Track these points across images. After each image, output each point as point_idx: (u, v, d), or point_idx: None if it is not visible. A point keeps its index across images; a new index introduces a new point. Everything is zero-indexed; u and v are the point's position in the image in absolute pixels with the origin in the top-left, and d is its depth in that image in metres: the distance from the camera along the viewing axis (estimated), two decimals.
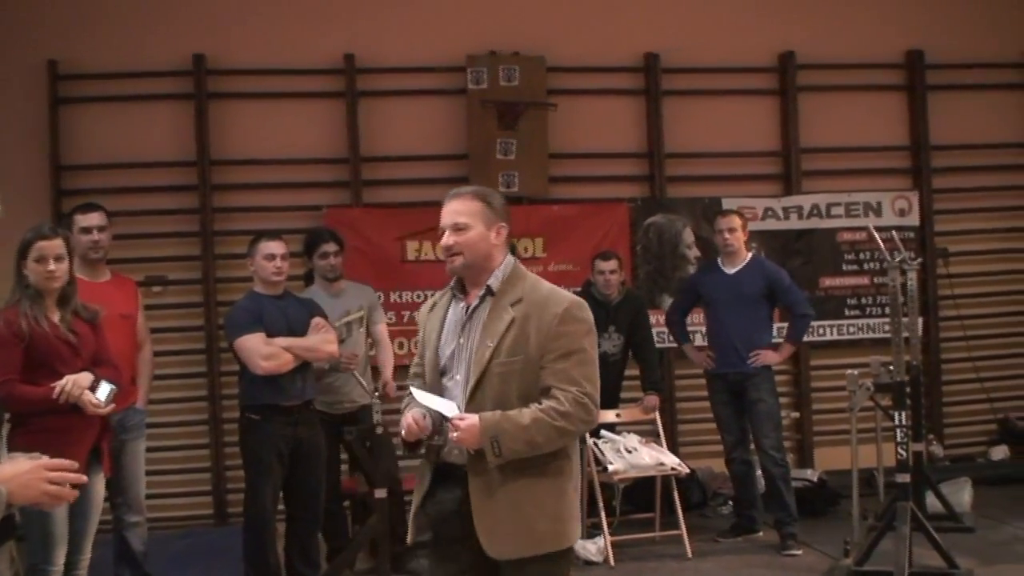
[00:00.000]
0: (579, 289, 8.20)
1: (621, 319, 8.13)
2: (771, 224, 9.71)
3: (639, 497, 8.35)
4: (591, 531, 7.73)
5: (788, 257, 9.52)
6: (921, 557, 6.66)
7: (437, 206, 9.27)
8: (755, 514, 8.00)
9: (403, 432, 3.95)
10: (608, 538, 7.47)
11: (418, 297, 9.12)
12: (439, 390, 3.96)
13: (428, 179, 9.29)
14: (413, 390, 4.02)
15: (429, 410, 3.90)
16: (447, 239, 3.95)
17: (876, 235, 7.12)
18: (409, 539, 4.16)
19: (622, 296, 8.09)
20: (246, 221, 8.87)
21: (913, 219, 9.94)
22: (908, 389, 6.82)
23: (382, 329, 7.54)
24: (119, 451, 6.14)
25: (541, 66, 9.35)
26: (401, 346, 8.95)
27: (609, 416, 7.93)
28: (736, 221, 7.87)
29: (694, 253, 9.61)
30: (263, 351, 6.27)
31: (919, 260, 8.18)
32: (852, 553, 6.85)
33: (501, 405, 3.77)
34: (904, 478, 6.54)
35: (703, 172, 9.71)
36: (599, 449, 7.68)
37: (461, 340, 3.92)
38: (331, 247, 7.23)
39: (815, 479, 8.82)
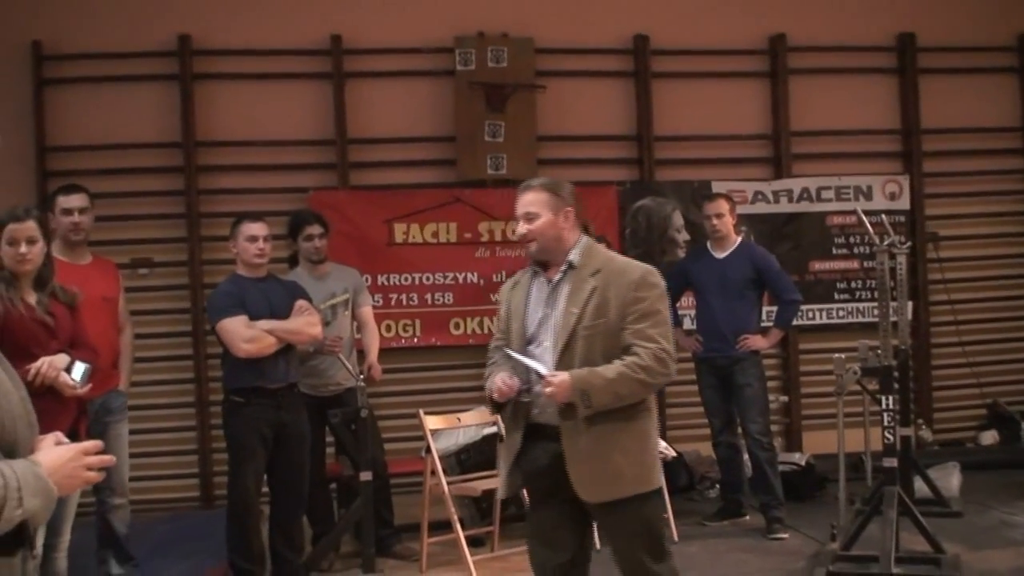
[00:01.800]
0: None
1: None
2: (761, 208, 9.67)
3: None
4: None
5: (778, 241, 9.49)
6: (908, 542, 6.64)
7: (424, 188, 9.42)
8: (742, 498, 7.98)
9: (494, 394, 4.38)
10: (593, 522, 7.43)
11: (405, 280, 9.09)
12: (526, 356, 4.35)
13: (415, 161, 9.30)
14: (508, 351, 4.42)
15: (515, 370, 4.36)
16: (520, 228, 4.42)
17: (864, 219, 7.05)
18: (502, 493, 4.74)
19: None
20: (231, 203, 8.78)
21: (904, 203, 9.90)
22: (896, 373, 6.78)
23: (367, 312, 7.48)
24: (102, 434, 6.07)
25: (529, 48, 9.29)
26: (388, 329, 8.93)
27: None
28: (723, 206, 7.80)
29: (683, 237, 9.56)
30: (244, 334, 6.21)
31: (908, 244, 8.11)
32: (838, 537, 6.83)
33: (587, 365, 4.21)
34: (891, 462, 6.49)
35: (693, 155, 9.66)
36: None
37: (547, 310, 4.38)
38: (316, 229, 7.19)
39: (803, 463, 8.79)
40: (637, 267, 4.38)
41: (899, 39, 10.05)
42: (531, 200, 4.40)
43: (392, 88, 9.30)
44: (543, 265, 4.46)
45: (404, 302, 9.12)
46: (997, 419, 9.97)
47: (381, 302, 8.81)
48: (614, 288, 4.26)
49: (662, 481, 4.39)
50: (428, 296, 9.16)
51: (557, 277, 4.38)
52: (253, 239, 6.41)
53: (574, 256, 4.38)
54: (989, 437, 9.88)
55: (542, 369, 4.21)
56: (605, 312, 4.24)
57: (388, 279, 9.09)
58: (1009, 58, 10.31)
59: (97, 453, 2.67)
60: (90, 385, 5.09)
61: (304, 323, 6.43)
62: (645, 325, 4.23)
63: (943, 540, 6.61)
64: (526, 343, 4.39)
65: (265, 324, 6.28)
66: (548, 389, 4.16)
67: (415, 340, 9.14)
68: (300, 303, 6.48)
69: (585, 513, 4.39)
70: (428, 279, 9.16)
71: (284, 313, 6.39)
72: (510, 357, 4.39)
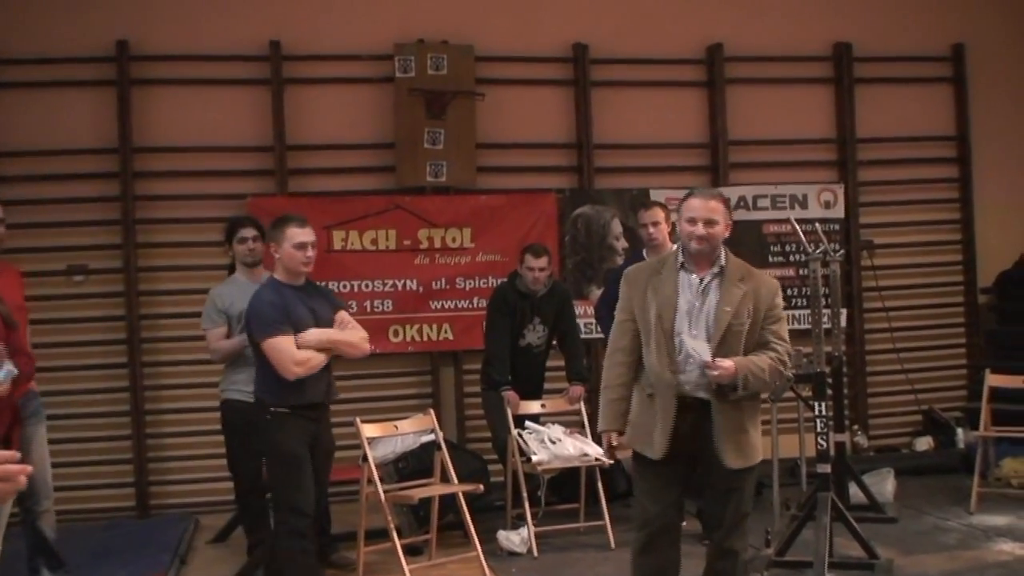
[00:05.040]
0: (504, 279, 8.17)
1: (546, 311, 8.07)
2: None
3: (563, 488, 8.33)
4: (515, 522, 7.71)
5: None
6: (842, 547, 6.72)
7: (363, 195, 9.35)
8: None
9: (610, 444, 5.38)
10: (532, 529, 7.45)
11: (344, 287, 9.04)
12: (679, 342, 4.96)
13: (354, 168, 9.29)
14: (683, 338, 4.89)
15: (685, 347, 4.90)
16: (701, 228, 4.91)
17: (797, 227, 7.14)
18: (657, 454, 5.00)
19: (548, 288, 8.02)
20: (168, 209, 8.78)
21: (838, 211, 10.01)
22: (829, 380, 6.84)
23: None
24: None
25: (469, 55, 9.32)
26: None
27: (534, 407, 7.94)
28: (659, 214, 7.78)
29: (622, 244, 9.60)
30: (296, 356, 5.92)
31: (842, 252, 8.19)
32: (773, 542, 6.89)
33: (735, 355, 4.86)
34: (824, 468, 6.57)
35: (631, 163, 9.71)
36: (523, 440, 7.64)
37: (696, 303, 4.96)
38: (249, 232, 7.07)
39: None
40: (771, 279, 5.15)
41: (835, 49, 10.17)
42: (715, 207, 4.96)
43: (331, 94, 9.28)
44: (691, 262, 5.02)
45: None
46: (932, 425, 10.09)
47: None
48: (761, 294, 4.97)
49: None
50: (367, 303, 9.13)
51: (707, 277, 4.98)
52: (302, 246, 6.13)
53: (723, 261, 4.99)
54: (924, 443, 10.00)
55: (706, 355, 4.78)
56: (751, 312, 4.93)
57: (327, 286, 8.99)
58: (944, 68, 10.45)
59: (22, 458, 2.56)
60: (8, 386, 4.98)
61: (360, 338, 6.23)
62: (779, 327, 5.02)
63: (877, 545, 6.72)
64: (674, 330, 4.96)
65: (322, 333, 6.07)
66: (715, 372, 4.76)
67: None
68: (342, 316, 6.25)
69: (685, 477, 5.10)
70: (367, 286, 9.14)
71: (327, 323, 6.17)
72: (682, 343, 4.89)
